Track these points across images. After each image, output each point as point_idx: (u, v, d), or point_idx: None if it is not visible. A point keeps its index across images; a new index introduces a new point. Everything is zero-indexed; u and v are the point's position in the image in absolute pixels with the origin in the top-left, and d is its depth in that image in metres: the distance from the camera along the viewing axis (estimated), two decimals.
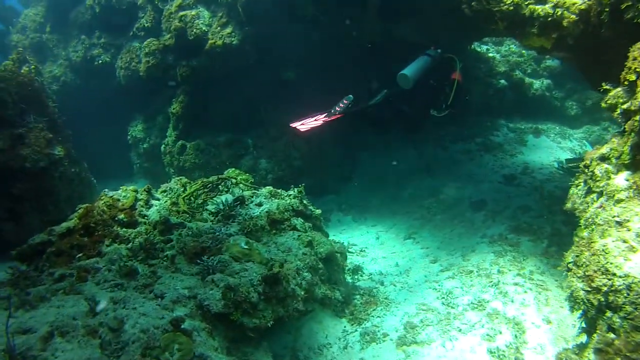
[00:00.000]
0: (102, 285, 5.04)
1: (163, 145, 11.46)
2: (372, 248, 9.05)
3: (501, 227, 8.47)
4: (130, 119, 12.79)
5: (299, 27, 9.73)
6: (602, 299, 4.20)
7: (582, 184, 5.54)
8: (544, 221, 8.31)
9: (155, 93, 11.88)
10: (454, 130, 11.91)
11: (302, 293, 5.64)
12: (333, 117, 6.88)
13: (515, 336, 5.95)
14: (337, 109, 7.10)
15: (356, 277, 7.93)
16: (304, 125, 6.93)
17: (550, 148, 11.57)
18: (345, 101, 7.11)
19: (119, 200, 6.48)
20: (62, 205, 8.91)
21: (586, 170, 5.26)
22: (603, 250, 4.33)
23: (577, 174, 5.86)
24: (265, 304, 5.14)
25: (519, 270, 7.23)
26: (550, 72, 12.56)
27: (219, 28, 9.60)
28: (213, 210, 6.83)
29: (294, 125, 6.95)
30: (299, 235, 6.35)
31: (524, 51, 12.58)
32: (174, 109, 11.02)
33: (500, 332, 6.02)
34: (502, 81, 12.23)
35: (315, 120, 7.00)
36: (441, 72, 7.56)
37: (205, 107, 10.95)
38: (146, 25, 11.12)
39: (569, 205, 5.78)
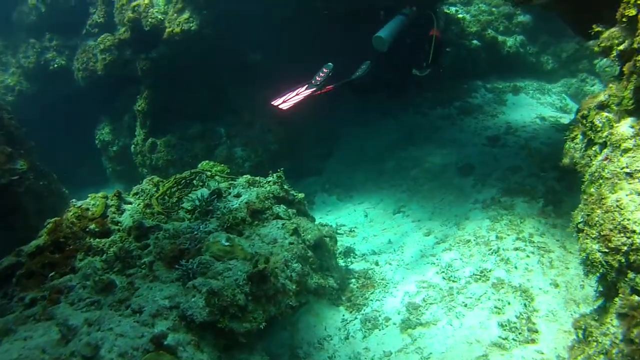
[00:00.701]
0: (76, 305, 4.53)
1: (133, 146, 10.83)
2: (361, 227, 8.58)
3: (492, 191, 8.06)
4: (97, 121, 12.07)
5: (260, 5, 9.11)
6: (623, 260, 3.77)
7: (579, 136, 5.10)
8: (535, 180, 7.92)
9: (118, 91, 11.19)
10: (431, 96, 11.42)
11: (294, 287, 5.16)
12: (319, 92, 6.20)
13: (525, 305, 5.56)
14: (317, 79, 6.38)
15: (349, 259, 7.46)
16: (286, 102, 6.16)
17: (530, 105, 11.16)
18: (325, 69, 6.44)
19: (88, 209, 5.96)
20: (33, 222, 8.22)
21: (584, 121, 4.81)
22: (617, 205, 3.88)
23: (570, 127, 5.44)
24: (254, 305, 4.65)
25: (518, 233, 6.84)
26: (523, 28, 12.07)
27: (175, 15, 8.93)
28: (189, 208, 6.31)
29: (275, 103, 6.19)
30: (283, 224, 5.84)
31: (494, 9, 12.08)
32: (139, 106, 10.36)
33: (509, 303, 5.62)
34: (475, 42, 11.74)
35: (297, 94, 6.25)
36: (419, 30, 7.07)
37: (172, 100, 10.28)
38: (99, 20, 10.40)
39: (566, 160, 5.35)
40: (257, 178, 7.00)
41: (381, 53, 6.67)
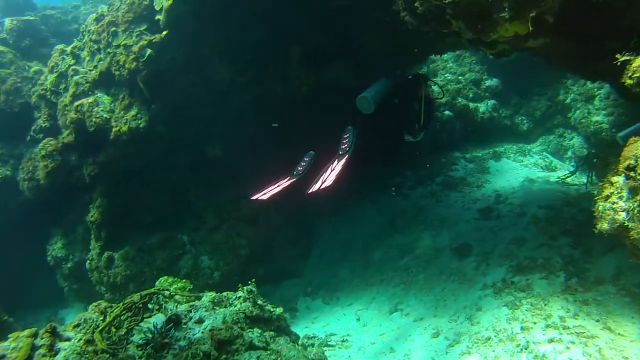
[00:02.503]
0: None
1: (88, 262, 9.29)
2: (355, 334, 7.12)
3: (501, 271, 6.80)
4: (48, 235, 10.56)
5: (215, 94, 8.10)
6: None
7: (618, 193, 3.91)
8: (548, 251, 6.74)
9: (69, 201, 9.81)
10: (409, 174, 10.39)
11: None
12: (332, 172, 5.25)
13: None
14: (299, 169, 5.60)
15: None
16: (266, 193, 5.45)
17: (515, 169, 10.20)
18: (306, 158, 5.66)
19: (3, 357, 4.54)
20: None
21: (632, 174, 3.62)
22: None
23: (600, 184, 4.29)
24: None
25: (546, 319, 5.51)
26: (492, 92, 11.39)
27: (122, 112, 7.79)
28: (141, 343, 4.87)
29: (255, 197, 5.48)
30: (258, 357, 4.40)
31: (460, 77, 11.39)
32: (92, 216, 8.95)
33: None
34: (447, 112, 10.91)
35: (279, 185, 5.52)
36: (406, 91, 6.08)
37: (129, 207, 8.93)
38: (43, 125, 9.17)
39: (604, 226, 4.13)
40: (225, 294, 5.64)
41: (366, 116, 5.64)
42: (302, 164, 5.61)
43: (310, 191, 5.25)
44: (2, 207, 10.16)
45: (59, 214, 10.09)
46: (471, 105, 11.09)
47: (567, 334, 5.14)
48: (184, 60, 7.57)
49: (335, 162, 5.39)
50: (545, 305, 5.74)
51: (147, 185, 8.70)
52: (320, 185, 5.18)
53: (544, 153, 10.86)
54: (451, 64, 11.82)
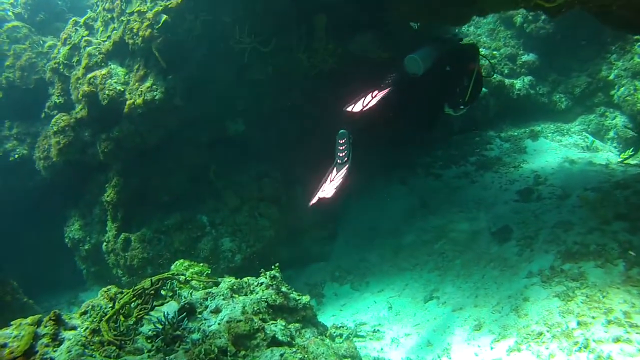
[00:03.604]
0: None
1: (104, 243, 8.72)
2: (387, 323, 6.42)
3: (548, 257, 6.04)
4: (65, 217, 10.05)
5: (236, 66, 7.41)
6: None
7: None
8: (601, 236, 5.94)
9: (87, 180, 9.25)
10: (441, 154, 9.60)
11: None
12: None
13: None
14: (340, 155, 4.82)
15: None
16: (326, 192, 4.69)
17: (553, 149, 9.34)
18: (341, 141, 4.84)
19: (4, 346, 4.01)
20: None
21: None
22: None
23: None
24: None
25: (606, 314, 4.77)
26: (529, 68, 10.45)
27: (137, 84, 7.11)
28: (150, 334, 4.28)
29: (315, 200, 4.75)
30: (281, 355, 3.73)
31: (495, 52, 10.50)
32: (107, 196, 8.33)
33: None
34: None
35: (332, 181, 4.76)
36: (458, 60, 5.37)
37: (146, 186, 8.29)
38: (57, 101, 8.55)
39: None
40: (246, 280, 5.02)
41: (410, 80, 4.93)
42: (341, 148, 4.84)
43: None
44: (21, 187, 9.68)
45: (76, 194, 9.54)
46: (506, 81, 10.20)
47: (637, 332, 4.39)
48: (203, 28, 6.86)
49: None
50: (603, 297, 5.01)
51: (164, 163, 8.03)
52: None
53: (583, 133, 9.95)
54: (485, 38, 10.93)
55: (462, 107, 5.42)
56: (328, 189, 4.61)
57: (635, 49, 9.65)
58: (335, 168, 4.79)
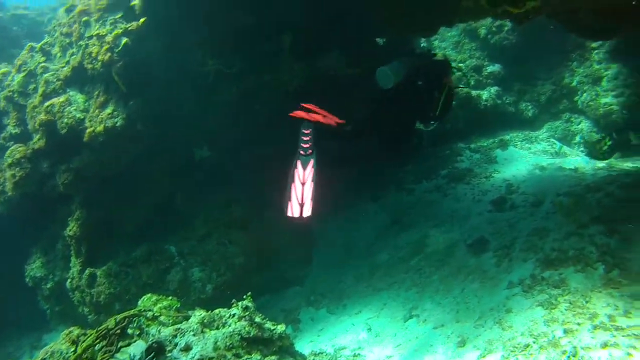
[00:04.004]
0: None
1: (69, 280, 8.29)
2: (367, 346, 6.15)
3: (527, 266, 5.90)
4: (26, 254, 9.55)
5: (200, 88, 7.18)
6: None
7: None
8: (578, 240, 5.83)
9: (47, 213, 8.80)
10: (411, 169, 9.49)
11: None
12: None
13: None
14: (304, 146, 4.68)
15: None
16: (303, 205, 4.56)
17: (523, 157, 9.33)
18: (305, 130, 4.73)
19: None
20: None
21: None
22: None
23: None
24: None
25: (591, 319, 4.62)
26: (495, 78, 10.50)
27: (97, 111, 6.84)
28: None
29: (291, 214, 4.60)
30: None
31: (460, 64, 10.52)
32: (70, 230, 7.94)
33: None
34: None
35: (303, 184, 4.57)
36: (430, 74, 5.26)
37: (110, 217, 7.96)
38: (13, 132, 8.19)
39: None
40: (217, 312, 4.72)
41: (384, 92, 4.81)
42: (304, 138, 4.70)
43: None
44: None
45: (37, 229, 9.11)
46: (473, 92, 10.21)
47: (623, 336, 4.24)
48: (164, 50, 6.67)
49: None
50: (586, 302, 4.86)
51: (129, 192, 7.71)
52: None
53: (551, 139, 10.00)
54: (450, 51, 10.97)
55: (432, 122, 5.30)
56: (306, 206, 4.40)
57: (593, 56, 9.80)
58: (299, 161, 4.62)
